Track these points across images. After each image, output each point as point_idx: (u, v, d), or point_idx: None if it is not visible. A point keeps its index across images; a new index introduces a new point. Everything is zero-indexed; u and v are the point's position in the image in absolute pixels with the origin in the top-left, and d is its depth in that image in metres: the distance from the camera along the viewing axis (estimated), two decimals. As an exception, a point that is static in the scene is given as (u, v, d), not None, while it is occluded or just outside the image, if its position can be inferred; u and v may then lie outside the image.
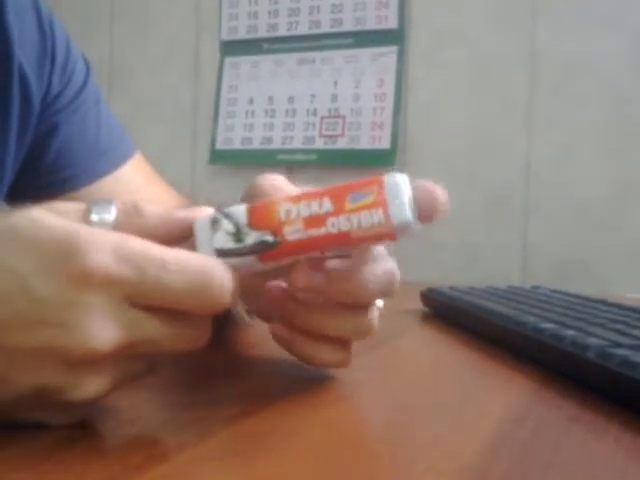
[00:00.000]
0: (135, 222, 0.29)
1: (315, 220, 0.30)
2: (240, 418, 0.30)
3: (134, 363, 0.28)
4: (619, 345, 0.37)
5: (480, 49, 1.63)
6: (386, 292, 0.34)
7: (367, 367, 0.41)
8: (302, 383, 0.37)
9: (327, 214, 0.30)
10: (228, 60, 1.90)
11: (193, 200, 0.58)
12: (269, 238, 0.30)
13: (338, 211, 0.30)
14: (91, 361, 0.26)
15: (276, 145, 1.80)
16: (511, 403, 0.34)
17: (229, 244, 0.30)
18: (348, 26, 1.76)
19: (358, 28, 1.75)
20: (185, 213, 0.30)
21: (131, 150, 0.64)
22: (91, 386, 0.26)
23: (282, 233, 0.30)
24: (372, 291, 0.33)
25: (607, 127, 1.52)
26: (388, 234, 0.30)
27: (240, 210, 0.30)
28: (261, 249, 0.30)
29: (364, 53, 1.74)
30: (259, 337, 0.49)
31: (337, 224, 0.30)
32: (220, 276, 0.27)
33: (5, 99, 0.53)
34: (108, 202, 0.29)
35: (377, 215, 0.29)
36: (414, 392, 0.37)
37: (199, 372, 0.39)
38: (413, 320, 0.60)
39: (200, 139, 1.91)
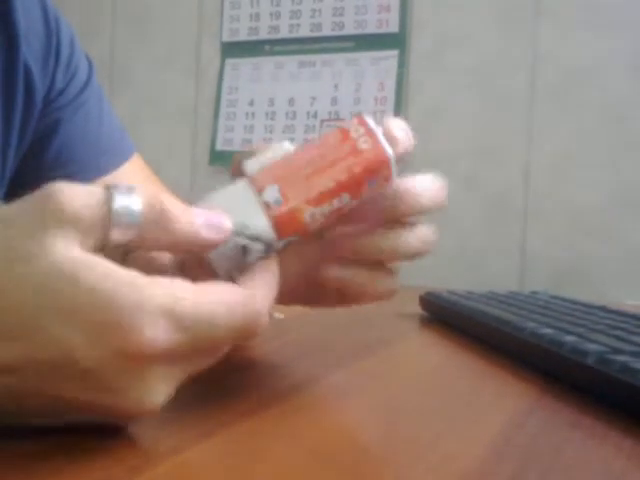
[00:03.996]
0: (160, 235, 0.28)
1: (336, 212, 0.32)
2: (239, 419, 0.30)
3: None
4: (619, 351, 0.37)
5: (481, 54, 1.63)
6: (437, 200, 0.35)
7: (366, 370, 0.41)
8: (302, 385, 0.37)
9: (346, 205, 0.32)
10: (229, 61, 1.90)
11: (192, 202, 0.58)
12: (295, 238, 0.32)
13: (355, 197, 0.32)
14: (146, 414, 0.27)
15: (276, 147, 1.80)
16: (511, 408, 0.34)
17: (261, 255, 0.31)
18: (349, 29, 1.77)
19: (359, 32, 1.75)
20: (208, 224, 0.29)
21: (131, 149, 0.64)
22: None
23: (307, 231, 0.32)
24: (419, 198, 0.35)
25: (607, 133, 1.52)
26: None
27: (264, 227, 0.30)
28: (287, 246, 0.32)
29: (365, 57, 1.74)
30: (260, 338, 0.49)
31: (353, 204, 0.33)
32: (261, 316, 0.28)
33: (10, 93, 0.53)
34: (130, 190, 0.27)
35: (386, 187, 0.33)
36: (413, 396, 0.37)
37: (198, 374, 0.39)
38: (412, 324, 0.60)
39: (200, 140, 1.91)
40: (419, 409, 0.34)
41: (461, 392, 0.38)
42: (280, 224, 0.31)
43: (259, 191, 0.31)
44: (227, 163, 1.82)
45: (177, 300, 0.25)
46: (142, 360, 0.25)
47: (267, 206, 0.31)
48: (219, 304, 0.26)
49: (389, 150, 0.32)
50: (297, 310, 0.41)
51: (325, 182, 0.31)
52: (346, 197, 0.32)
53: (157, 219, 0.27)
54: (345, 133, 0.32)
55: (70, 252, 0.25)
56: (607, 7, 1.53)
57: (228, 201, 0.30)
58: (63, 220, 0.25)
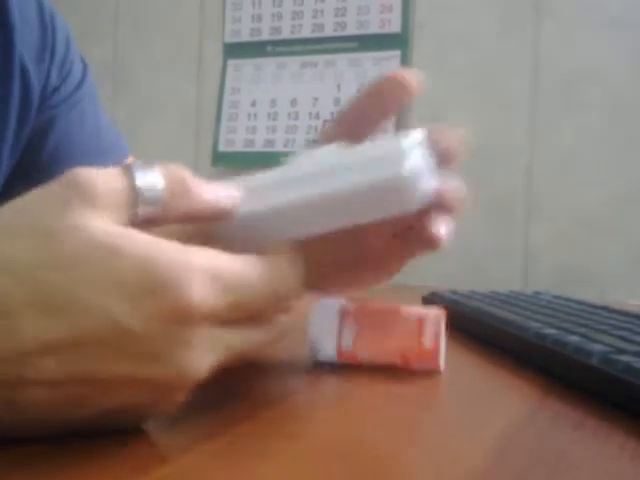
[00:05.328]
0: (182, 203, 0.28)
1: None
2: (243, 419, 0.30)
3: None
4: (622, 351, 0.37)
5: (483, 54, 1.63)
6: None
7: (369, 370, 0.41)
8: (304, 385, 0.37)
9: None
10: (231, 62, 1.90)
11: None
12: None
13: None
14: (187, 387, 0.26)
15: (278, 148, 1.80)
16: (514, 409, 0.34)
17: None
18: (352, 30, 1.76)
19: (362, 32, 1.75)
20: (229, 193, 0.30)
21: (127, 152, 0.64)
22: (181, 400, 0.27)
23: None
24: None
25: (610, 133, 1.52)
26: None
27: (329, 352, 0.39)
28: None
29: (367, 57, 1.74)
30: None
31: None
32: (292, 280, 0.30)
33: (5, 89, 0.52)
34: (151, 170, 0.27)
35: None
36: (416, 396, 0.37)
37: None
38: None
39: (202, 141, 1.91)
40: (421, 409, 0.34)
41: (464, 392, 0.38)
42: (340, 358, 0.38)
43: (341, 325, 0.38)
44: (229, 164, 1.82)
45: (223, 263, 0.26)
46: (188, 321, 0.24)
47: (339, 341, 0.38)
48: (254, 268, 0.28)
49: (442, 362, 0.39)
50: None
51: (384, 355, 0.38)
52: None
53: (179, 192, 0.28)
54: (421, 323, 0.38)
55: (106, 225, 0.25)
56: (608, 6, 1.52)
57: (321, 317, 0.38)
58: (89, 201, 0.25)
